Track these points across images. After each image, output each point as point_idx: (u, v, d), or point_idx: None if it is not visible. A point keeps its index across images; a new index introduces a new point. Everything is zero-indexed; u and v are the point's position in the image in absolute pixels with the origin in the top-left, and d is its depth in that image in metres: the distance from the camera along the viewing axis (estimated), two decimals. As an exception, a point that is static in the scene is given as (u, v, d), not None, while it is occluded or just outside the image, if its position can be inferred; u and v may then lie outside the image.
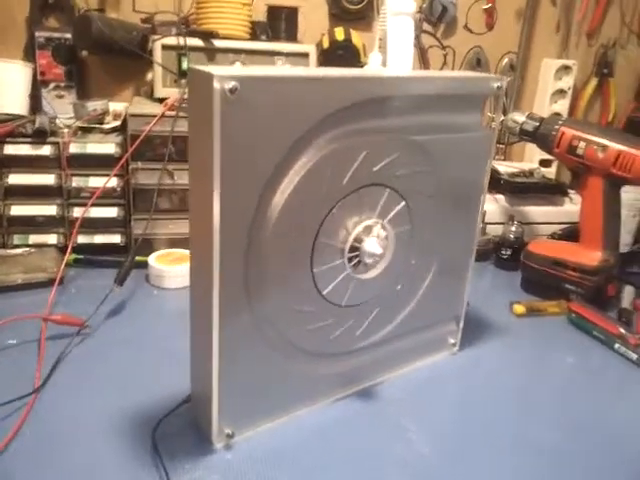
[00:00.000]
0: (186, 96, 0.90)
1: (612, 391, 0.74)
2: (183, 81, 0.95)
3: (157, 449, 0.54)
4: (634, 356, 0.79)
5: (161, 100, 0.96)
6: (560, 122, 0.91)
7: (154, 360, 0.70)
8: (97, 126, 0.94)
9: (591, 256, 0.91)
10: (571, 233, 1.16)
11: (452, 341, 0.77)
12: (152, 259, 0.90)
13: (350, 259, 0.59)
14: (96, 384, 0.65)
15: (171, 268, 0.88)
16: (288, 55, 1.00)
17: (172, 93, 0.94)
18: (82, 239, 0.94)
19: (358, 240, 0.58)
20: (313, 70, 0.57)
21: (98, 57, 1.08)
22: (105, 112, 0.96)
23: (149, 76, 1.07)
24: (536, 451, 0.60)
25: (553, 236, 1.14)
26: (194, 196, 0.51)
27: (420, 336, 0.71)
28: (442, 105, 0.61)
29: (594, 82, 1.32)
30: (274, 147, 0.50)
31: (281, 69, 0.54)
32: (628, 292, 0.96)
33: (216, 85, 0.44)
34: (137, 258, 0.92)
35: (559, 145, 0.90)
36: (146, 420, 0.59)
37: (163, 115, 0.88)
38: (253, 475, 0.54)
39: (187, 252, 0.93)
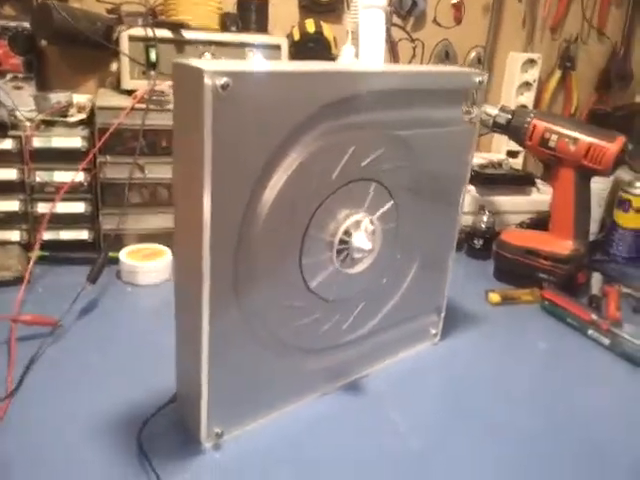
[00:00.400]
0: (158, 88, 0.88)
1: (587, 376, 0.76)
2: (152, 73, 0.92)
3: (144, 451, 0.53)
4: (606, 341, 0.81)
5: (129, 92, 0.92)
6: (532, 115, 0.92)
7: (133, 359, 0.68)
8: (61, 119, 0.90)
9: (563, 245, 0.93)
10: (539, 222, 1.18)
11: (433, 332, 0.77)
12: (123, 255, 0.87)
13: (338, 254, 0.58)
14: (74, 386, 0.62)
15: (144, 264, 0.86)
16: (259, 47, 0.98)
17: (140, 85, 0.91)
18: (47, 235, 0.89)
19: (347, 235, 0.58)
20: (302, 65, 0.55)
21: (58, 47, 1.03)
22: (69, 104, 0.92)
23: (113, 67, 1.03)
24: (517, 439, 0.61)
25: (521, 225, 1.16)
26: (181, 193, 0.50)
27: (403, 328, 0.71)
28: (425, 100, 0.61)
29: (558, 75, 1.35)
30: (264, 143, 0.48)
31: (270, 64, 0.53)
32: (596, 279, 0.99)
33: (207, 81, 0.42)
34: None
35: (531, 138, 0.92)
36: (130, 422, 0.57)
37: (133, 108, 0.85)
38: (243, 475, 0.53)
39: (159, 247, 0.91)
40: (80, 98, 0.97)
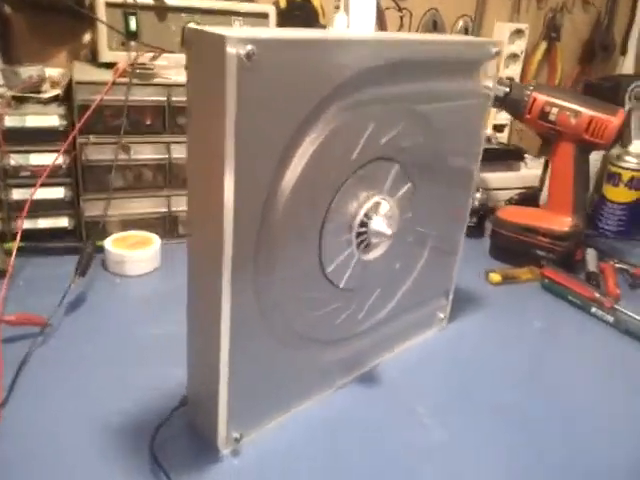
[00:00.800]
0: (140, 60, 0.81)
1: (596, 356, 0.75)
2: (132, 43, 0.85)
3: (159, 462, 0.49)
4: (610, 319, 0.81)
5: (107, 65, 0.85)
6: (531, 88, 0.89)
7: (131, 357, 0.63)
8: (34, 95, 0.83)
9: (562, 221, 0.92)
10: (527, 198, 1.17)
11: (441, 316, 0.75)
12: (109, 244, 0.81)
13: (358, 240, 0.55)
14: (71, 390, 0.58)
15: (133, 253, 0.80)
16: (246, 15, 0.92)
17: (120, 57, 0.84)
18: (24, 224, 0.83)
19: (366, 219, 0.54)
20: (328, 33, 0.51)
21: (25, 15, 0.94)
22: (42, 79, 0.85)
23: (86, 37, 0.96)
24: (540, 422, 0.60)
25: (510, 201, 1.15)
26: (197, 175, 0.45)
27: (414, 314, 0.69)
28: (442, 71, 0.57)
29: (543, 46, 1.32)
30: (289, 118, 0.44)
31: (294, 31, 0.48)
32: (591, 255, 0.98)
33: (230, 50, 0.38)
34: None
35: (530, 111, 0.89)
36: (139, 428, 0.53)
37: (115, 82, 0.78)
38: (267, 480, 0.50)
39: (146, 234, 0.85)
40: (51, 72, 0.89)
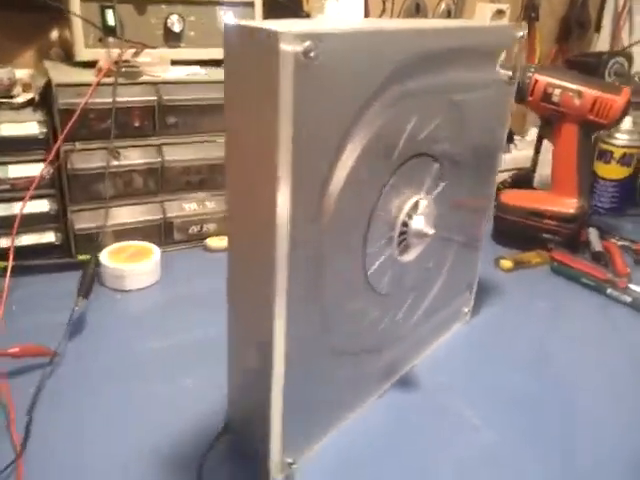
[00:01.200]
0: (125, 57, 0.75)
1: (620, 337, 0.74)
2: (111, 39, 0.79)
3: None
4: (628, 299, 0.80)
5: (85, 64, 0.78)
6: (532, 70, 0.87)
7: (152, 380, 0.58)
8: (5, 101, 0.75)
9: (567, 203, 0.90)
10: (520, 179, 1.16)
11: (466, 310, 0.72)
12: (105, 257, 0.75)
13: (399, 241, 0.51)
14: (95, 426, 0.52)
15: (133, 266, 0.74)
16: (231, 5, 0.86)
17: (98, 55, 0.77)
18: (5, 242, 0.75)
19: (407, 219, 0.51)
20: (378, 22, 0.46)
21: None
22: (13, 82, 0.77)
23: (54, 34, 0.88)
24: (586, 413, 0.58)
25: (504, 184, 1.13)
26: (242, 184, 0.40)
27: (443, 311, 0.66)
28: (472, 59, 0.54)
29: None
30: (341, 117, 0.40)
31: (345, 22, 0.44)
32: (594, 235, 0.97)
33: (285, 47, 0.33)
34: (79, 258, 0.77)
35: (532, 93, 0.87)
36: (180, 461, 0.48)
37: (99, 83, 0.72)
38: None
39: (143, 244, 0.80)
40: (19, 74, 0.82)
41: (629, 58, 1.26)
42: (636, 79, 1.18)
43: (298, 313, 0.42)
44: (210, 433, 0.50)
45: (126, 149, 0.77)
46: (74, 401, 0.55)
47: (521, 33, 0.59)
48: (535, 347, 0.70)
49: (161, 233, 0.84)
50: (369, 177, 0.45)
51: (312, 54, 0.34)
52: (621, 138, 1.07)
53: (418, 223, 0.51)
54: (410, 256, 0.54)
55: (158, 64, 0.78)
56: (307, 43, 0.34)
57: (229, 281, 0.44)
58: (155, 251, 0.78)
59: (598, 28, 1.40)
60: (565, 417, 0.58)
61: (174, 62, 0.81)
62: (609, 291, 0.82)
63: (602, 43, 1.40)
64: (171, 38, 0.83)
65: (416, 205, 0.51)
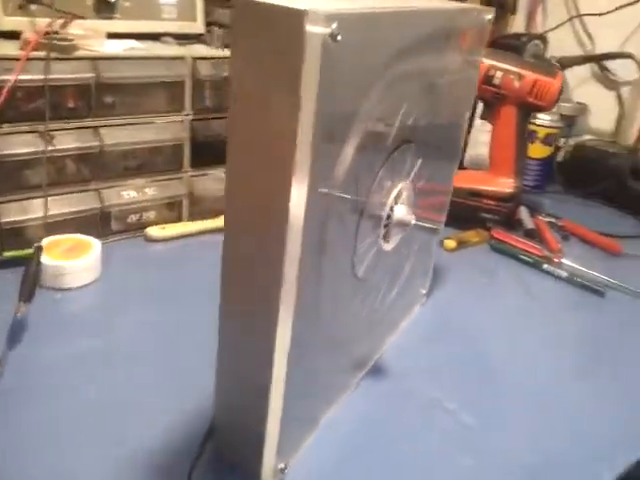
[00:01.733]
0: (55, 27, 0.67)
1: (566, 310, 0.79)
2: (33, 7, 0.70)
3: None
4: (564, 274, 0.85)
5: (4, 35, 0.69)
6: (473, 51, 0.89)
7: (103, 384, 0.54)
8: None
9: (505, 183, 0.94)
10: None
11: (423, 291, 0.73)
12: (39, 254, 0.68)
13: (384, 231, 0.50)
14: (39, 440, 0.47)
15: (73, 263, 0.68)
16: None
17: (22, 24, 0.69)
18: None
19: (390, 210, 0.50)
20: (390, 2, 0.44)
21: None
22: None
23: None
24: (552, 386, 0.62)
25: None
26: (249, 178, 0.36)
27: (407, 295, 0.67)
28: (449, 41, 0.54)
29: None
30: (353, 106, 0.38)
31: (362, 2, 0.41)
32: (525, 213, 1.02)
33: (313, 29, 0.30)
34: (6, 254, 0.69)
35: (474, 75, 0.89)
36: (164, 470, 0.45)
37: (29, 57, 0.64)
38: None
39: (80, 237, 0.73)
40: None
41: (544, 41, 1.32)
42: (553, 62, 1.24)
43: (300, 307, 0.40)
44: (185, 434, 0.47)
45: (59, 132, 0.69)
46: (29, 415, 0.49)
47: (489, 16, 0.59)
48: (492, 321, 0.73)
49: (97, 224, 0.77)
50: (365, 165, 0.43)
51: (339, 37, 0.31)
52: (544, 119, 1.13)
53: (400, 212, 0.50)
54: (390, 245, 0.54)
55: (92, 37, 0.70)
56: (335, 25, 0.31)
57: (224, 274, 0.40)
58: (94, 244, 0.71)
59: (514, 11, 1.46)
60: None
61: (108, 35, 0.74)
62: (545, 266, 0.87)
63: (518, 25, 1.46)
64: (104, 8, 0.75)
65: (399, 194, 0.50)
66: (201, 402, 0.50)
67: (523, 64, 0.88)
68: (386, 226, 0.50)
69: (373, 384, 0.59)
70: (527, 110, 0.90)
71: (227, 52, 0.81)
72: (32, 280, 0.59)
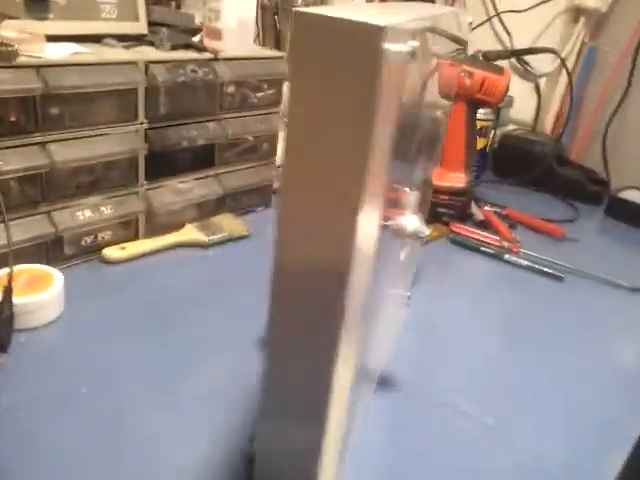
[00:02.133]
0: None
1: (531, 298, 0.82)
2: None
3: None
4: (524, 262, 0.89)
5: None
6: (424, 49, 0.89)
7: (89, 424, 0.48)
8: None
9: (457, 178, 0.96)
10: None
11: (408, 293, 0.73)
12: (-6, 292, 0.59)
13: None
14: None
15: (37, 298, 0.60)
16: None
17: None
18: None
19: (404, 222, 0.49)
20: (428, 9, 0.42)
21: None
22: None
23: None
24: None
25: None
26: (305, 211, 0.33)
27: (401, 299, 0.66)
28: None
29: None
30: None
31: (393, 13, 0.38)
32: (473, 205, 1.06)
33: (392, 47, 0.27)
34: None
35: (426, 73, 0.89)
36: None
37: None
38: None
39: (35, 267, 0.64)
40: None
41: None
42: (479, 57, 1.29)
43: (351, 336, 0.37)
44: None
45: (10, 151, 0.61)
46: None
47: (470, 19, 0.59)
48: (478, 313, 0.74)
49: (48, 250, 0.69)
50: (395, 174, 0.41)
51: (415, 55, 0.29)
52: (479, 112, 1.16)
53: (412, 223, 0.49)
54: (404, 254, 0.53)
55: (31, 41, 0.62)
56: (414, 42, 0.29)
57: (274, 309, 0.37)
58: (54, 274, 0.64)
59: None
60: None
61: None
62: (506, 257, 0.90)
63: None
64: (36, 8, 0.67)
65: (410, 204, 0.49)
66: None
67: (470, 61, 0.90)
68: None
69: (383, 397, 0.58)
70: (476, 106, 0.92)
71: (177, 54, 0.76)
72: (7, 329, 0.51)
